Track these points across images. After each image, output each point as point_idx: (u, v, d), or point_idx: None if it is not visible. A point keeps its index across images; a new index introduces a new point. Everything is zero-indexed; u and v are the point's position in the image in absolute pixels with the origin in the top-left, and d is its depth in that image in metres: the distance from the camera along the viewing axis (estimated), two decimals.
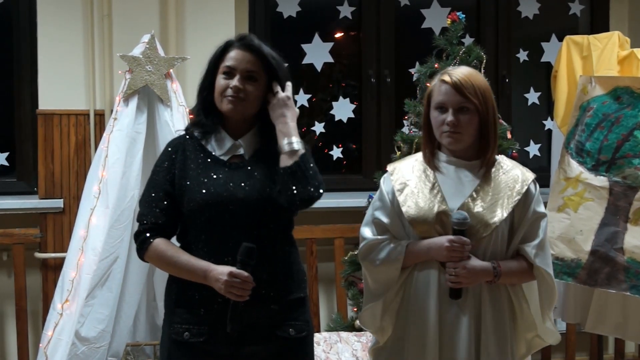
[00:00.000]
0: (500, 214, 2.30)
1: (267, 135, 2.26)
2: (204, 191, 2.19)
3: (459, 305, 2.29)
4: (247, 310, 2.16)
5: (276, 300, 2.22)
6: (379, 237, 2.36)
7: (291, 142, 2.18)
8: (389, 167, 2.46)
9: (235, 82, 2.19)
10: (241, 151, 2.26)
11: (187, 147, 2.28)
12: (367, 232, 2.40)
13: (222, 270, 2.11)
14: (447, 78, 2.30)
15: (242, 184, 2.20)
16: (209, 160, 2.25)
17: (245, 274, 2.10)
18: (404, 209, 2.33)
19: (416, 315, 2.31)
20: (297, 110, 2.24)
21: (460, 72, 2.32)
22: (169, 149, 2.31)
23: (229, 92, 2.19)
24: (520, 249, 2.35)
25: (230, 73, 2.21)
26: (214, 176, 2.21)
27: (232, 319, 2.13)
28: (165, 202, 2.24)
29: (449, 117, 2.28)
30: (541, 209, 2.37)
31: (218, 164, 2.24)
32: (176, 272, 2.23)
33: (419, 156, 2.44)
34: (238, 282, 2.09)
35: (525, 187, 2.35)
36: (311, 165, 2.20)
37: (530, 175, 2.39)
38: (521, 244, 2.34)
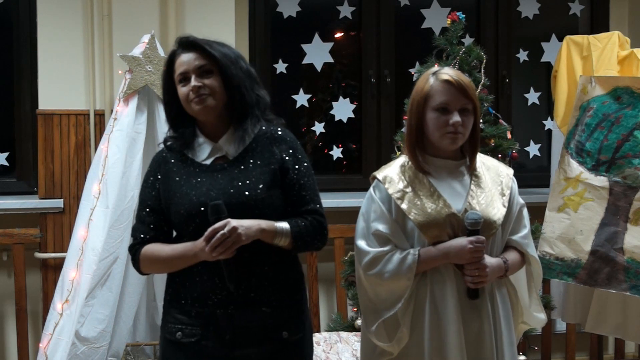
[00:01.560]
0: (500, 211, 2.33)
1: (246, 131, 2.23)
2: (185, 202, 2.18)
3: (477, 307, 2.29)
4: (238, 314, 2.16)
5: (267, 303, 2.20)
6: (383, 248, 2.30)
7: (280, 237, 2.17)
8: (379, 176, 2.39)
9: (193, 82, 2.18)
10: (222, 152, 2.24)
11: (168, 159, 2.27)
12: (365, 245, 2.33)
13: (202, 239, 2.10)
14: (448, 78, 2.28)
15: (225, 189, 2.18)
16: (191, 168, 2.23)
17: (219, 224, 2.08)
18: (411, 216, 2.29)
19: (435, 323, 2.28)
20: (234, 222, 2.11)
21: (454, 72, 2.32)
22: (153, 164, 2.31)
23: (192, 95, 2.18)
24: (510, 240, 2.39)
25: (185, 79, 2.20)
26: (197, 184, 2.20)
27: (230, 278, 2.12)
28: (153, 218, 2.25)
29: (455, 117, 2.26)
30: (520, 199, 2.43)
31: (201, 170, 2.23)
32: (170, 266, 2.23)
33: (402, 161, 2.40)
34: (218, 238, 2.07)
35: (511, 182, 2.41)
36: (306, 231, 2.21)
37: (510, 170, 2.45)
38: (510, 236, 2.39)
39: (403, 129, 3.64)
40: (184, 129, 2.26)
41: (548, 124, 4.61)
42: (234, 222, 2.09)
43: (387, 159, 3.63)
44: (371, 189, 2.41)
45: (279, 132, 2.28)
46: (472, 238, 2.25)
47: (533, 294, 2.47)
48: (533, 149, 4.66)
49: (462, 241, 2.25)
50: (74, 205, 3.63)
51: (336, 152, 4.39)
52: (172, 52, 2.26)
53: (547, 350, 4.16)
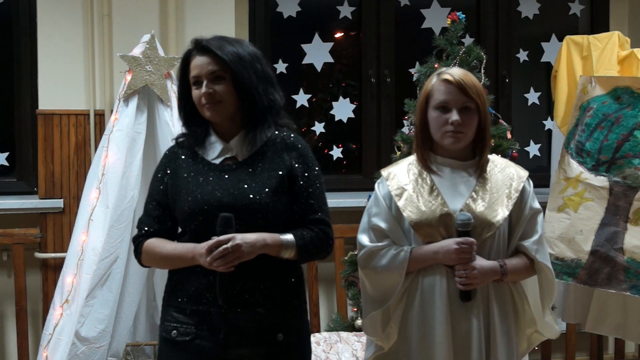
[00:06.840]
0: (502, 213, 2.31)
1: (257, 136, 2.23)
2: (190, 199, 2.19)
3: (468, 308, 2.27)
4: (232, 314, 2.16)
5: (263, 305, 2.19)
6: (379, 243, 2.34)
7: (286, 250, 2.18)
8: (384, 172, 2.43)
9: (204, 89, 2.19)
10: (233, 153, 2.25)
11: (179, 155, 2.29)
12: (365, 239, 2.38)
13: (203, 245, 2.11)
14: (449, 77, 2.29)
15: (231, 190, 2.18)
16: (200, 166, 2.25)
17: (224, 237, 2.08)
18: (405, 214, 2.31)
19: (423, 321, 2.29)
20: (239, 238, 2.10)
21: (459, 72, 2.32)
22: (164, 159, 2.33)
23: (203, 100, 2.19)
24: (519, 245, 2.36)
25: (198, 82, 2.21)
26: (203, 183, 2.21)
27: (221, 291, 2.13)
28: (158, 211, 2.27)
29: (454, 116, 2.27)
30: (536, 204, 2.39)
31: (210, 169, 2.23)
32: (170, 264, 2.26)
33: (412, 159, 2.42)
34: (220, 252, 2.07)
35: (522, 185, 2.36)
36: (311, 243, 2.22)
37: (524, 173, 2.41)
38: (520, 241, 2.35)
39: (403, 129, 3.65)
40: (197, 127, 2.27)
41: (548, 124, 4.60)
42: (238, 239, 2.09)
43: (387, 159, 3.63)
44: (376, 184, 2.44)
45: (291, 139, 2.28)
46: (459, 239, 2.25)
47: (544, 303, 2.42)
48: (533, 149, 4.66)
49: (449, 242, 2.26)
50: (74, 205, 3.63)
51: (336, 152, 4.39)
52: (187, 52, 2.26)
53: (547, 350, 4.16)
